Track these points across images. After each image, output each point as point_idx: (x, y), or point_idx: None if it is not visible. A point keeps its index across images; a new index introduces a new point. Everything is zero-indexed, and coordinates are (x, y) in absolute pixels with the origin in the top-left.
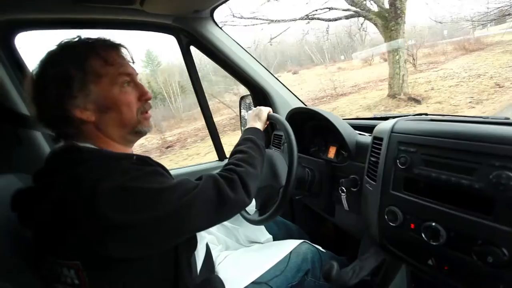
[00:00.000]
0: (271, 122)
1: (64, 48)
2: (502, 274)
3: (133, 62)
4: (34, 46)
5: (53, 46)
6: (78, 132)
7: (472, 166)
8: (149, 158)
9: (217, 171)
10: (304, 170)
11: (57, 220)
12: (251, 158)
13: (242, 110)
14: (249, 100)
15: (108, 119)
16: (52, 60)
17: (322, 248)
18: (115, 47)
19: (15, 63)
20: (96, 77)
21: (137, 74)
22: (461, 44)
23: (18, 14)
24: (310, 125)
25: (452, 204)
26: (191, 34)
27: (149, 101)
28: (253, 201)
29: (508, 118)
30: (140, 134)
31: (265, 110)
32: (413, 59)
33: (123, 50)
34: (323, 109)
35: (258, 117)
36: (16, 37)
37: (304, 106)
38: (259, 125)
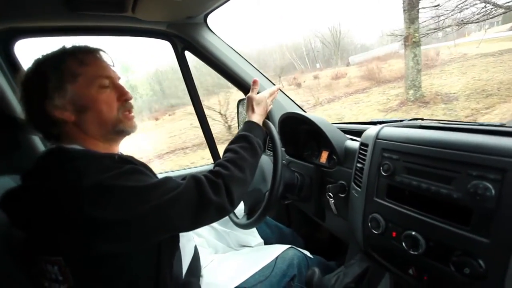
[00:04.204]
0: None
1: (47, 55)
2: (478, 286)
3: (113, 65)
4: (33, 53)
5: (39, 55)
6: (62, 133)
7: (451, 175)
8: (131, 157)
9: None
10: (293, 174)
11: (42, 218)
12: (241, 160)
13: (240, 114)
14: (246, 103)
15: (87, 118)
16: (35, 66)
17: (317, 252)
18: (92, 51)
19: (15, 70)
20: (72, 77)
21: (119, 78)
22: (371, 71)
23: (17, 22)
24: (303, 129)
25: (431, 213)
26: (185, 39)
27: (130, 101)
28: (242, 204)
29: (504, 125)
30: (122, 133)
31: (270, 106)
32: (222, 114)
33: (103, 54)
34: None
35: (264, 107)
36: (15, 44)
37: (299, 110)
38: (258, 117)
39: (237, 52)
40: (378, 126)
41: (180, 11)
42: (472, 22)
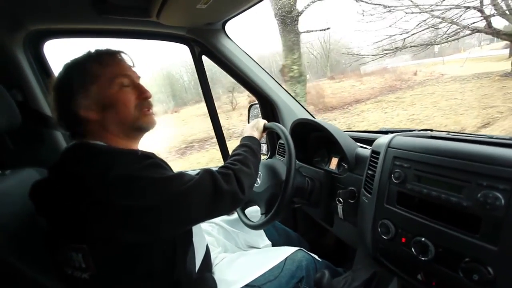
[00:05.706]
0: (276, 133)
1: (74, 60)
2: None
3: (134, 66)
4: (60, 53)
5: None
6: (87, 130)
7: (461, 184)
8: (152, 153)
9: None
10: (304, 179)
11: (69, 207)
12: (245, 159)
13: (250, 118)
14: (257, 109)
15: (109, 116)
16: (63, 70)
17: (323, 257)
18: (111, 53)
19: (43, 68)
20: (94, 78)
21: (139, 77)
22: (318, 93)
23: (47, 24)
24: (314, 135)
25: (441, 220)
26: (203, 44)
27: (149, 100)
28: (256, 206)
29: None
30: (140, 130)
31: (261, 122)
32: None
33: (124, 56)
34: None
35: (256, 127)
36: (44, 45)
37: (310, 116)
38: (256, 135)
39: (252, 59)
40: (390, 135)
41: (201, 17)
42: (433, 44)
